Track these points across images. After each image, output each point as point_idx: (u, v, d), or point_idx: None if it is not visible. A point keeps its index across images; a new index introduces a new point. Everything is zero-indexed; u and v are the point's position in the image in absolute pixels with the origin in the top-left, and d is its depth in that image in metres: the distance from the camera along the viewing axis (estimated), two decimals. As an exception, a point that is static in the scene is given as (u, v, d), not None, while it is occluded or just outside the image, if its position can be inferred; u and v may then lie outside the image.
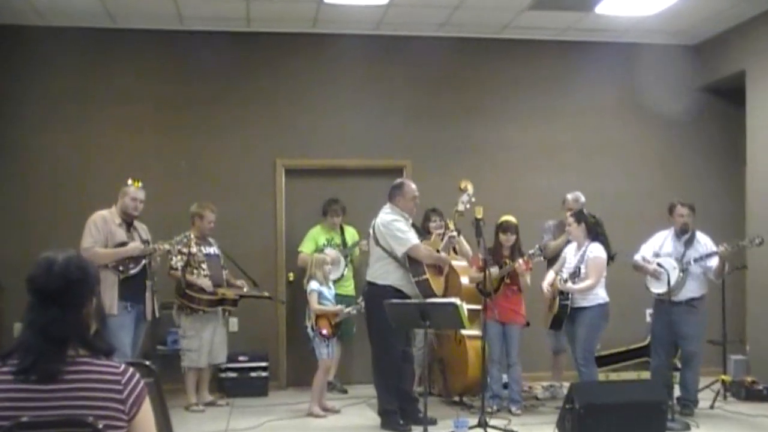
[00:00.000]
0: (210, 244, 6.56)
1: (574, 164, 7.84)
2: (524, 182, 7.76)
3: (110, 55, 7.38)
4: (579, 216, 6.17)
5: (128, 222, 5.95)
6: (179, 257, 6.26)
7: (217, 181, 7.41)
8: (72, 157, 7.28)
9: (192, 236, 6.38)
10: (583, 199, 6.77)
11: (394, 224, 5.71)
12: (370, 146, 7.64)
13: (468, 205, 6.03)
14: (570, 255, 6.21)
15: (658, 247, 6.21)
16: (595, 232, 6.11)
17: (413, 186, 5.90)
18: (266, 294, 6.67)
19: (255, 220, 7.47)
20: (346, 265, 7.13)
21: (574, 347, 6.12)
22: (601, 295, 6.04)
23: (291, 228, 7.50)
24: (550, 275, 6.26)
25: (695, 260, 6.03)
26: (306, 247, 7.07)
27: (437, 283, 5.75)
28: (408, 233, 5.72)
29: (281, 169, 7.56)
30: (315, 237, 7.14)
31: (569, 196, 6.80)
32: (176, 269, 6.28)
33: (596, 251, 6.02)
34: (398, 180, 5.96)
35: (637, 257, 6.27)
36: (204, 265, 6.40)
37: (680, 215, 6.12)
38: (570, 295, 6.00)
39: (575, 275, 5.94)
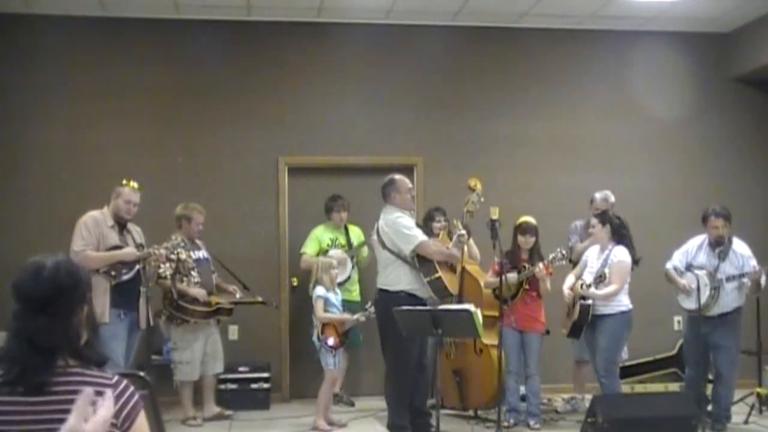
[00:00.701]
0: (198, 248, 6.52)
1: (598, 161, 7.82)
2: (544, 180, 7.74)
3: (101, 45, 7.38)
4: (603, 217, 6.15)
5: (121, 224, 5.94)
6: (168, 264, 6.16)
7: (216, 180, 7.43)
8: (61, 154, 7.28)
9: (179, 240, 6.36)
10: (612, 198, 6.75)
11: (398, 222, 5.69)
12: (379, 143, 7.62)
13: (478, 205, 5.99)
14: (592, 258, 6.18)
15: (692, 257, 6.17)
16: (620, 234, 6.08)
17: (405, 179, 5.90)
18: (259, 299, 6.62)
19: (256, 221, 7.46)
20: (353, 267, 7.12)
21: (594, 357, 6.10)
22: (624, 302, 6.02)
23: (294, 229, 7.49)
24: (570, 279, 6.23)
25: (728, 279, 5.98)
26: (309, 249, 7.05)
27: (451, 281, 5.72)
28: (414, 229, 5.72)
29: (284, 167, 7.54)
30: (318, 237, 7.10)
31: (598, 195, 6.77)
32: (165, 278, 6.18)
33: (621, 255, 6.00)
34: (387, 177, 5.93)
35: (669, 265, 6.25)
36: (194, 272, 6.35)
37: (714, 227, 6.05)
38: (591, 302, 5.97)
39: (600, 280, 5.90)
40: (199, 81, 7.47)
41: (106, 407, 1.72)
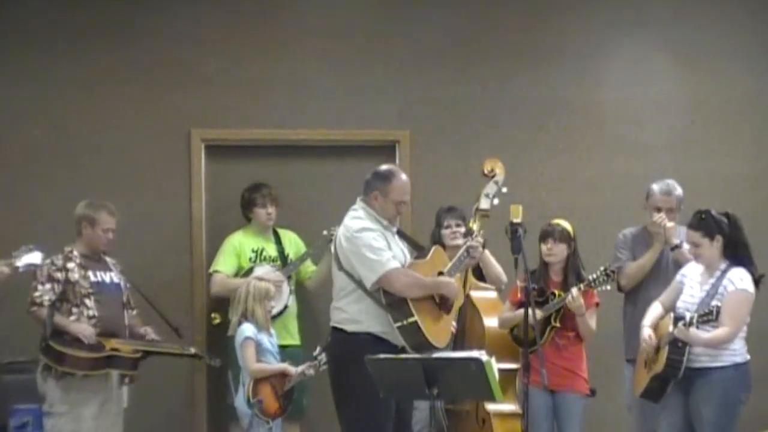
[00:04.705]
0: (106, 267, 6.39)
1: (673, 137, 7.76)
2: (591, 166, 7.71)
3: None
4: (708, 227, 5.73)
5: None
6: (49, 286, 6.02)
7: (95, 164, 7.32)
8: None
9: (75, 253, 6.17)
10: (679, 191, 6.59)
11: (361, 237, 5.51)
12: (346, 111, 7.57)
13: (497, 200, 5.93)
14: (692, 279, 5.82)
15: None
16: (735, 244, 5.68)
17: (405, 180, 5.72)
18: (192, 350, 6.45)
19: (157, 224, 7.40)
20: (291, 292, 7.04)
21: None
22: (739, 351, 5.65)
23: (215, 238, 7.39)
24: (656, 309, 5.86)
25: None
26: (224, 265, 7.01)
27: (436, 329, 5.53)
28: (383, 252, 5.50)
29: (200, 144, 7.48)
30: (236, 248, 7.04)
31: (656, 188, 6.62)
32: (41, 305, 5.98)
33: (741, 282, 5.58)
34: (386, 167, 5.83)
35: None
36: (90, 302, 6.13)
37: None
38: (687, 348, 5.56)
39: (707, 318, 5.47)
40: (73, 14, 7.37)
41: None
